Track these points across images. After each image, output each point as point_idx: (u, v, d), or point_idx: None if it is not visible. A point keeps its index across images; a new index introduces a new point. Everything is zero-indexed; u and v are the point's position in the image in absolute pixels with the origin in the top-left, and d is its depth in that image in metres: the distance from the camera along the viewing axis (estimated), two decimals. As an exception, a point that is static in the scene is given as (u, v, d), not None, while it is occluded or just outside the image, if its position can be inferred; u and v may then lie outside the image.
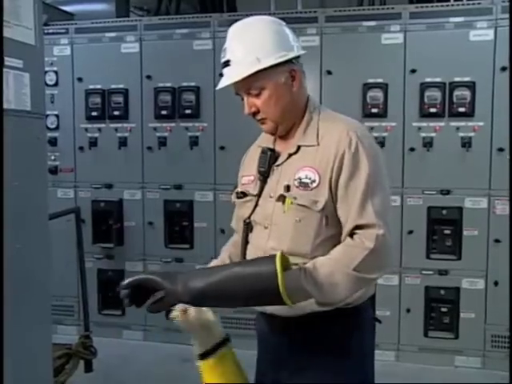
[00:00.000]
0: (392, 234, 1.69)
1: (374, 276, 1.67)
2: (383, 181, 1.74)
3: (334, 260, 1.65)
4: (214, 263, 1.97)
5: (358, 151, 1.71)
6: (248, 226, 1.88)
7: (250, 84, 1.75)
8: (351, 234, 1.68)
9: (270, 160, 1.84)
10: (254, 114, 1.81)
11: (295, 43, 1.81)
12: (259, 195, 1.85)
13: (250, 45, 1.75)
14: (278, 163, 1.83)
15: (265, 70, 1.73)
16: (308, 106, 1.85)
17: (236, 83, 1.76)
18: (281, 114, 1.80)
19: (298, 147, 1.81)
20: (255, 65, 1.72)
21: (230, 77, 1.76)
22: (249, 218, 1.86)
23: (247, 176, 1.94)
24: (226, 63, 1.78)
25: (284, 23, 1.84)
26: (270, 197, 1.81)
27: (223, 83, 1.78)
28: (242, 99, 1.82)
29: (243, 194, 1.90)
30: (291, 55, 1.76)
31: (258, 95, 1.77)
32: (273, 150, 1.86)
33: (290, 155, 1.81)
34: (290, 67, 1.78)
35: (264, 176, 1.84)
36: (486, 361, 4.00)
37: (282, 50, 1.76)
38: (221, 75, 1.82)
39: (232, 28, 1.83)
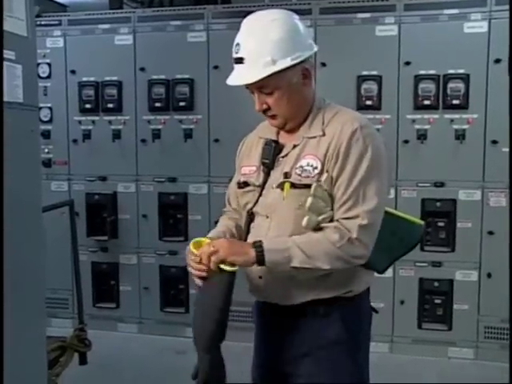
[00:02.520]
0: (380, 217, 1.75)
1: (355, 261, 1.72)
2: (381, 169, 1.76)
3: (322, 233, 1.72)
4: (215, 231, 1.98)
5: (359, 140, 1.74)
6: (251, 216, 1.89)
7: (263, 83, 1.76)
8: (338, 220, 1.73)
9: (274, 152, 1.86)
10: (265, 110, 1.83)
11: (309, 39, 1.82)
12: (263, 186, 1.86)
13: (265, 44, 1.73)
14: (282, 154, 1.85)
15: (279, 71, 1.73)
16: (314, 100, 1.87)
17: None
18: (292, 112, 1.83)
19: (303, 139, 1.83)
20: (270, 66, 1.72)
21: (243, 77, 1.77)
22: (252, 208, 1.88)
23: (248, 166, 1.95)
24: (239, 60, 1.77)
25: (298, 17, 1.84)
26: (273, 187, 1.83)
27: (236, 82, 1.79)
28: (252, 92, 1.83)
29: (245, 184, 1.91)
30: (306, 55, 1.77)
31: (269, 93, 1.79)
32: (277, 142, 1.87)
33: (294, 146, 1.83)
34: (303, 66, 1.79)
35: (268, 167, 1.86)
36: (478, 352, 4.02)
37: (297, 49, 1.76)
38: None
39: (246, 22, 1.80)
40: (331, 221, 1.74)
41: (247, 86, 1.80)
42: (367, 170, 1.72)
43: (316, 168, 1.76)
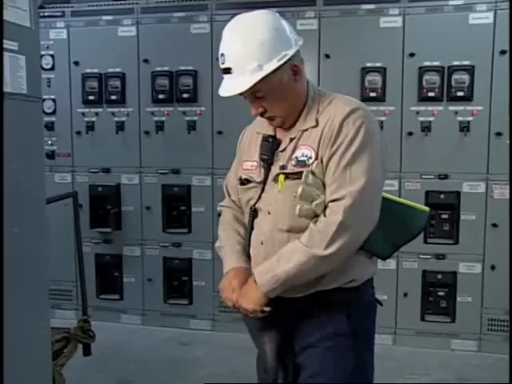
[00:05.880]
0: (370, 197, 1.73)
1: (349, 247, 1.71)
2: (372, 149, 1.74)
3: (306, 244, 1.71)
4: (228, 257, 1.98)
5: (349, 124, 1.73)
6: (254, 212, 1.89)
7: (255, 89, 1.75)
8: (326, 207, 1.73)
9: (272, 147, 1.85)
10: (262, 113, 1.82)
11: (293, 36, 1.78)
12: (265, 182, 1.85)
13: (248, 50, 1.71)
14: (280, 149, 1.85)
15: (268, 74, 1.72)
16: (308, 92, 1.86)
17: None
18: (288, 110, 1.82)
19: (299, 131, 1.82)
20: (258, 72, 1.71)
21: (234, 87, 1.76)
22: (255, 204, 1.88)
23: (249, 161, 1.94)
24: (227, 70, 1.76)
25: (278, 15, 1.82)
26: (272, 182, 1.83)
27: (227, 93, 1.78)
28: (245, 98, 1.82)
29: (246, 181, 1.91)
30: (291, 53, 1.75)
31: (263, 97, 1.78)
32: (274, 137, 1.87)
33: (291, 140, 1.83)
34: (291, 63, 1.77)
35: (268, 163, 1.85)
36: (482, 344, 4.03)
37: (282, 49, 1.74)
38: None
39: (227, 30, 1.79)
40: (325, 207, 1.73)
41: (240, 94, 1.78)
42: (356, 151, 1.71)
43: (311, 158, 1.76)
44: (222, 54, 1.76)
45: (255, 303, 1.78)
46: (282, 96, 1.78)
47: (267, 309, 1.79)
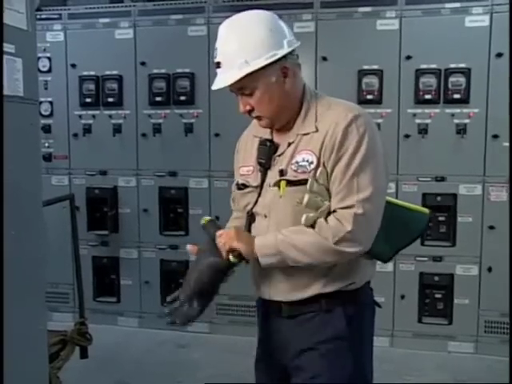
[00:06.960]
0: (377, 206, 1.74)
1: (349, 256, 1.72)
2: (376, 157, 1.74)
3: (317, 232, 1.72)
4: None
5: (353, 131, 1.72)
6: (251, 217, 1.90)
7: (241, 85, 1.77)
8: (334, 211, 1.73)
9: (269, 151, 1.85)
10: (249, 111, 1.83)
11: (289, 37, 1.79)
12: (261, 186, 1.86)
13: (239, 46, 1.74)
14: (278, 153, 1.84)
15: (255, 71, 1.73)
16: (305, 96, 1.85)
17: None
18: (275, 111, 1.82)
19: (297, 136, 1.82)
20: (244, 68, 1.73)
21: (221, 80, 1.79)
22: (251, 209, 1.88)
23: (245, 166, 1.94)
24: (218, 65, 1.79)
25: (277, 16, 1.83)
26: (270, 186, 1.83)
27: (215, 86, 1.81)
28: (237, 95, 1.83)
29: (243, 186, 1.92)
30: (281, 54, 1.75)
31: (250, 94, 1.79)
32: (271, 141, 1.87)
33: (289, 144, 1.82)
34: (281, 65, 1.77)
35: (264, 167, 1.85)
36: (478, 346, 4.03)
37: (273, 49, 1.74)
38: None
39: (222, 26, 1.81)
40: (328, 213, 1.73)
41: (231, 90, 1.81)
42: (362, 160, 1.71)
43: (312, 163, 1.75)
44: (216, 49, 1.80)
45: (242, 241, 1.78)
46: (269, 96, 1.78)
47: (234, 260, 1.79)
